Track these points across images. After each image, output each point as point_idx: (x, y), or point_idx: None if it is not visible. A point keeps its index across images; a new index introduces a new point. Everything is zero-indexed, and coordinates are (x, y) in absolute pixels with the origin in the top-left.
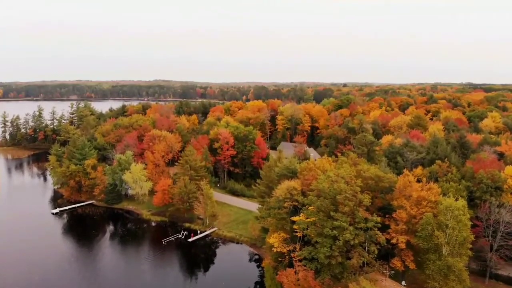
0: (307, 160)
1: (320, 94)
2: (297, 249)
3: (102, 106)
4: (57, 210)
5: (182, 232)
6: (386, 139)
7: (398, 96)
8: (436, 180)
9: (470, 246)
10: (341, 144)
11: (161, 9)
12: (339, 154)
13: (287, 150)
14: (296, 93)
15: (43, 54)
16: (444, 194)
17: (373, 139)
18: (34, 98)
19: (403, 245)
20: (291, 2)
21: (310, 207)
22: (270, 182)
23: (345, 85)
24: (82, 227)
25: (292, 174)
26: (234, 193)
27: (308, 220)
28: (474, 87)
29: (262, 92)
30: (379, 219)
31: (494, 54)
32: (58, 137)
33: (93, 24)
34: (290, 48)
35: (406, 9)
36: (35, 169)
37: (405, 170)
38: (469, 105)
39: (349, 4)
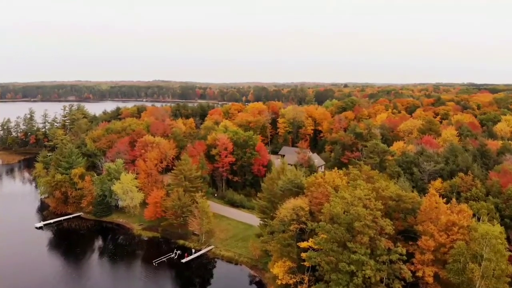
0: (315, 173)
1: (321, 94)
2: (305, 281)
3: (99, 107)
4: (41, 223)
5: (175, 251)
6: (397, 146)
7: (401, 97)
8: (459, 195)
9: (509, 279)
10: (348, 151)
11: (160, 8)
12: (350, 167)
13: (289, 156)
14: (297, 94)
15: (42, 54)
16: (474, 215)
17: (386, 147)
18: (32, 99)
19: (430, 279)
20: (290, 1)
21: (321, 234)
22: (272, 196)
23: (346, 85)
24: (67, 243)
25: (297, 189)
26: (233, 204)
27: (319, 247)
28: (478, 88)
29: (262, 93)
30: (403, 250)
31: (494, 54)
32: (46, 143)
33: (93, 24)
34: (290, 47)
35: (405, 8)
36: (25, 175)
37: (430, 189)
38: (478, 107)
39: (347, 2)
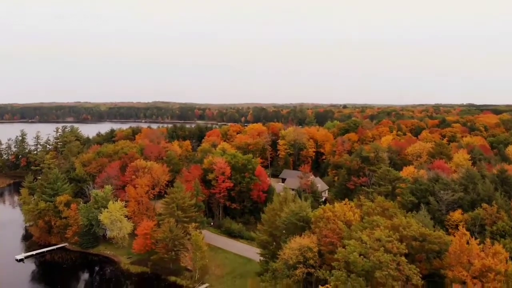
0: (322, 206)
1: (321, 115)
2: None
3: (96, 129)
4: (22, 255)
5: None
6: (407, 171)
7: (403, 118)
8: (482, 228)
9: None
10: (354, 176)
11: (163, 31)
12: (361, 197)
13: (291, 179)
14: (296, 115)
15: (41, 75)
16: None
17: (398, 174)
18: (29, 120)
19: None
20: (288, 20)
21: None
22: (274, 229)
23: (345, 106)
24: (49, 279)
25: (303, 223)
26: (230, 234)
27: None
28: (478, 108)
29: (262, 114)
30: None
31: (488, 74)
32: (33, 167)
33: (94, 45)
34: (288, 67)
35: (401, 35)
36: (14, 200)
37: (460, 227)
38: (485, 129)
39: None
